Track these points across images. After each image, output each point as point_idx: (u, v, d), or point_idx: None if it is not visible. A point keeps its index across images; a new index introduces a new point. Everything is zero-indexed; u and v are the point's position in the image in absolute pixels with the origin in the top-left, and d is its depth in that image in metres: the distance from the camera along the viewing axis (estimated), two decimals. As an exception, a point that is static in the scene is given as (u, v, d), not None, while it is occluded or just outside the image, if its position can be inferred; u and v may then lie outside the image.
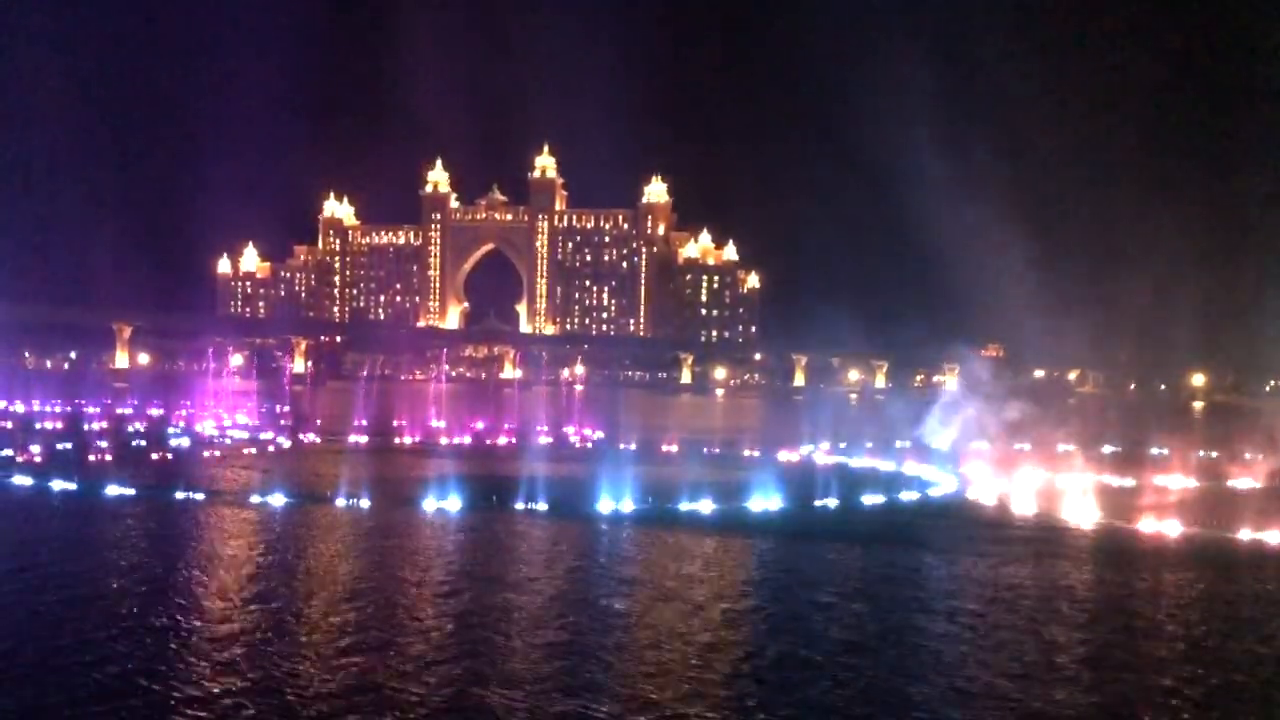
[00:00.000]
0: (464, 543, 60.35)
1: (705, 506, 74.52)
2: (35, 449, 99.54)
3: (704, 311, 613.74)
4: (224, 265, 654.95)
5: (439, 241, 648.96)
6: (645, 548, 59.70)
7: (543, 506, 73.14)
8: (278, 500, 73.08)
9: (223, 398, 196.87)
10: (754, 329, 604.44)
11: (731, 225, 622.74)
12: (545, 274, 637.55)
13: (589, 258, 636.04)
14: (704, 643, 40.30)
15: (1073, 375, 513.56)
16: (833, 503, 79.55)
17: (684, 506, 74.58)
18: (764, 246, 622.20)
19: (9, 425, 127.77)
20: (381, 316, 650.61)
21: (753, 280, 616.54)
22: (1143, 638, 43.25)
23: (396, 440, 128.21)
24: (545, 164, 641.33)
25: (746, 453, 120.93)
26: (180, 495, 74.67)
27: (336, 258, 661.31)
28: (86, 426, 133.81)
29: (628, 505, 73.76)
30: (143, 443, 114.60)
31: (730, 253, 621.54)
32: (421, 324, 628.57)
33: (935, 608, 47.11)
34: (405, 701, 33.22)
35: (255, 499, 73.95)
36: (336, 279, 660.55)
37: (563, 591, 48.27)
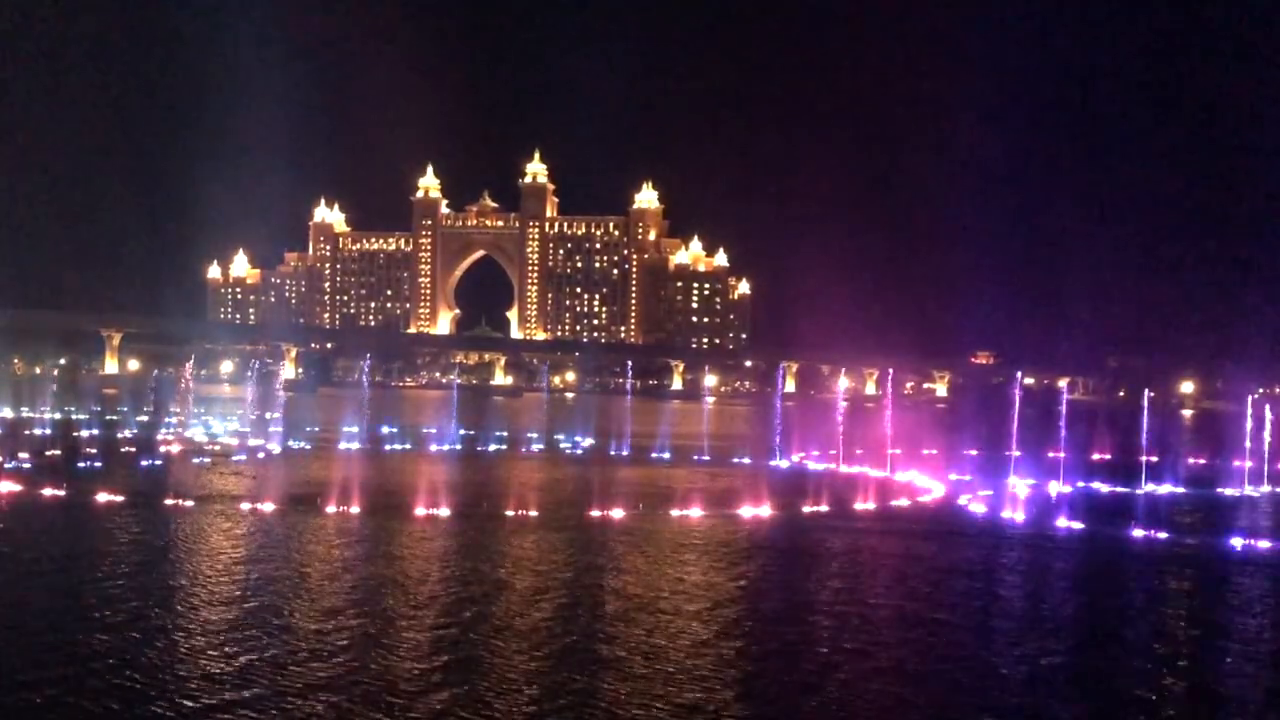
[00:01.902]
0: (450, 550, 60.17)
1: (694, 513, 74.55)
2: (23, 455, 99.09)
3: (694, 318, 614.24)
4: (214, 271, 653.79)
5: (430, 248, 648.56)
6: (631, 556, 59.60)
7: (533, 513, 73.06)
8: (267, 507, 72.88)
9: (213, 404, 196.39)
10: (744, 336, 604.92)
11: (722, 232, 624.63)
12: (536, 280, 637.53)
13: (580, 264, 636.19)
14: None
15: (1063, 382, 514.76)
16: (823, 509, 79.55)
17: (674, 513, 74.57)
18: (754, 254, 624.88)
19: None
20: (372, 323, 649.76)
21: (743, 287, 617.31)
22: (1133, 648, 43.31)
23: (388, 447, 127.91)
24: (536, 170, 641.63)
25: (736, 459, 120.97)
26: (169, 502, 74.44)
27: (327, 264, 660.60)
28: (76, 433, 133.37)
29: (618, 512, 73.68)
30: (133, 449, 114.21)
31: (721, 260, 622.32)
32: (412, 330, 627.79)
33: (913, 621, 47.10)
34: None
35: (245, 505, 73.75)
36: (327, 285, 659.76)
37: (549, 599, 48.20)
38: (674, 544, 62.75)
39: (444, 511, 72.35)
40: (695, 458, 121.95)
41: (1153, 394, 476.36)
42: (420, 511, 72.30)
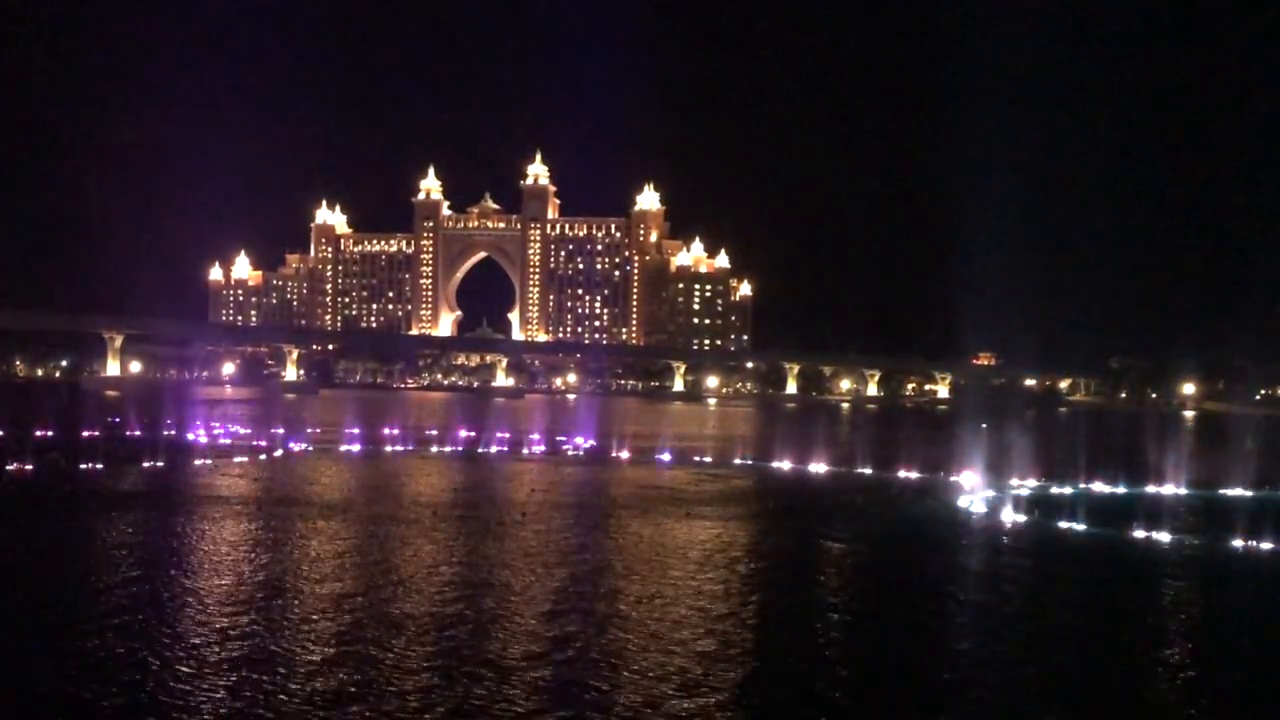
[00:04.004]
0: (453, 552, 60.18)
1: (695, 513, 74.64)
2: (27, 457, 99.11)
3: (696, 320, 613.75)
4: (216, 273, 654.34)
5: (431, 249, 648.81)
6: (627, 559, 59.63)
7: (532, 514, 73.12)
8: (270, 507, 72.91)
9: (215, 406, 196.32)
10: (746, 337, 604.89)
11: (724, 234, 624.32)
12: (538, 282, 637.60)
13: (581, 266, 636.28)
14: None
15: (1065, 384, 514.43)
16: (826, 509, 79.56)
17: (675, 515, 74.68)
18: (756, 255, 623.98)
19: (0, 434, 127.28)
20: (374, 324, 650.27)
21: (745, 288, 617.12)
22: (1137, 649, 43.33)
23: (389, 449, 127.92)
24: (538, 172, 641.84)
25: (738, 460, 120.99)
26: (175, 503, 74.52)
27: (328, 265, 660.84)
28: (78, 435, 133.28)
29: (619, 514, 73.76)
30: (135, 451, 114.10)
31: (722, 261, 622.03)
32: (414, 332, 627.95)
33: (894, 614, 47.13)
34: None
35: (245, 507, 73.78)
36: (328, 287, 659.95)
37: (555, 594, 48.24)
38: (670, 548, 62.69)
39: (447, 512, 72.41)
40: (696, 459, 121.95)
41: (1154, 395, 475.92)
42: (419, 515, 72.33)
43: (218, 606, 45.59)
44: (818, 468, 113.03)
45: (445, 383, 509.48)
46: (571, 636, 41.92)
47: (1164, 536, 69.99)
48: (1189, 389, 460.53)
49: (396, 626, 42.79)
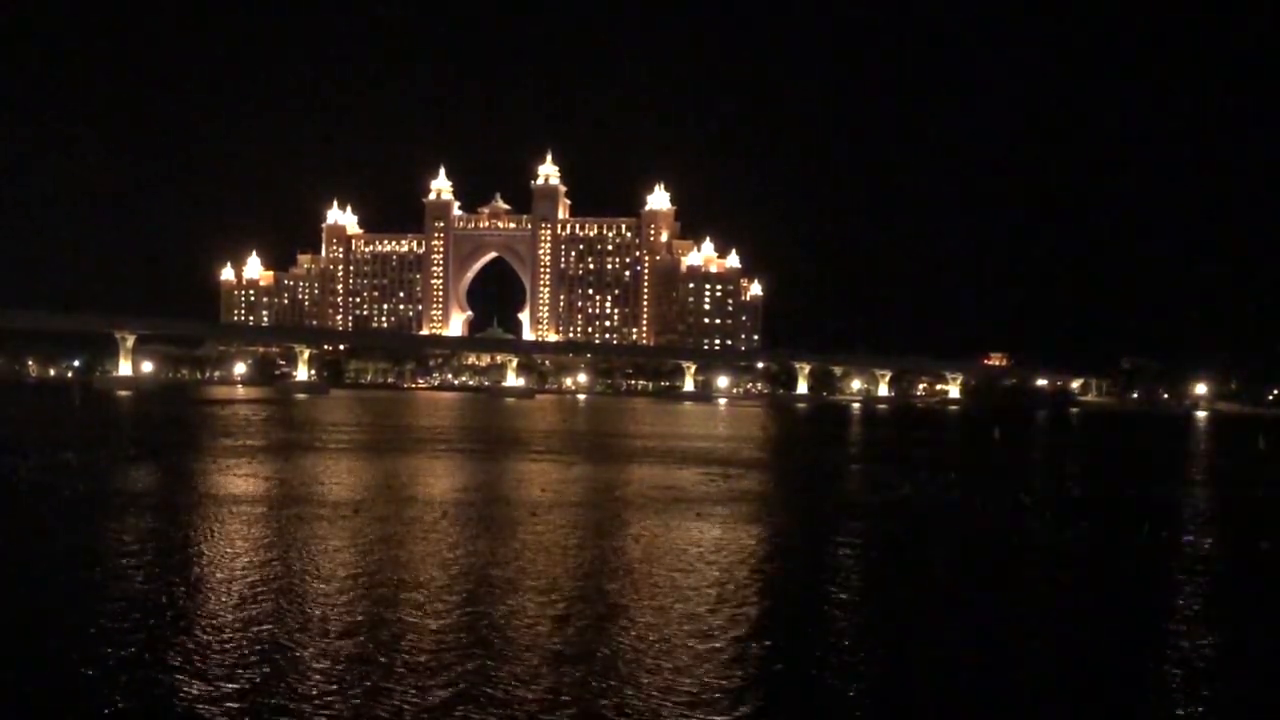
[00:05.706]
0: (461, 549, 60.16)
1: (696, 513, 74.51)
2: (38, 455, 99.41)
3: (706, 320, 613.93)
4: (227, 273, 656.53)
5: (442, 249, 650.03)
6: (629, 554, 59.51)
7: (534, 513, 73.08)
8: (278, 506, 72.92)
9: (228, 405, 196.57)
10: (756, 337, 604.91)
11: (734, 233, 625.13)
12: (548, 282, 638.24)
13: (592, 266, 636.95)
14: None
15: (1076, 384, 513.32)
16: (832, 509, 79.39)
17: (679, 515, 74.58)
18: (767, 254, 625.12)
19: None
20: (385, 324, 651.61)
21: (755, 288, 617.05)
22: (1146, 650, 43.07)
23: (398, 447, 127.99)
24: (548, 172, 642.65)
25: (748, 460, 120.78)
26: (182, 500, 74.58)
27: (339, 266, 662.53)
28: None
29: (624, 514, 73.65)
30: (149, 448, 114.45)
31: (733, 260, 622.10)
32: (424, 332, 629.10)
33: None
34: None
35: (258, 506, 73.80)
36: (339, 287, 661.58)
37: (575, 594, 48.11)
38: (678, 548, 62.53)
39: (450, 510, 72.35)
40: (707, 459, 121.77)
41: (1166, 395, 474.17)
42: (431, 511, 72.27)
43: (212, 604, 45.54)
44: (828, 467, 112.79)
45: (455, 383, 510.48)
46: (574, 637, 41.77)
47: (1174, 537, 69.63)
48: (1201, 389, 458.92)
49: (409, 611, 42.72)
